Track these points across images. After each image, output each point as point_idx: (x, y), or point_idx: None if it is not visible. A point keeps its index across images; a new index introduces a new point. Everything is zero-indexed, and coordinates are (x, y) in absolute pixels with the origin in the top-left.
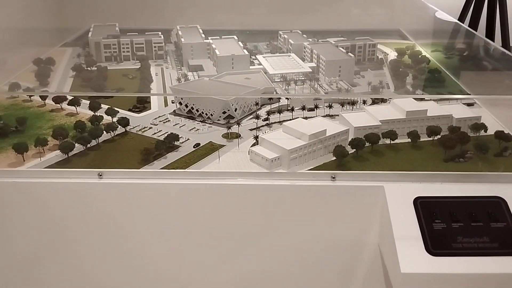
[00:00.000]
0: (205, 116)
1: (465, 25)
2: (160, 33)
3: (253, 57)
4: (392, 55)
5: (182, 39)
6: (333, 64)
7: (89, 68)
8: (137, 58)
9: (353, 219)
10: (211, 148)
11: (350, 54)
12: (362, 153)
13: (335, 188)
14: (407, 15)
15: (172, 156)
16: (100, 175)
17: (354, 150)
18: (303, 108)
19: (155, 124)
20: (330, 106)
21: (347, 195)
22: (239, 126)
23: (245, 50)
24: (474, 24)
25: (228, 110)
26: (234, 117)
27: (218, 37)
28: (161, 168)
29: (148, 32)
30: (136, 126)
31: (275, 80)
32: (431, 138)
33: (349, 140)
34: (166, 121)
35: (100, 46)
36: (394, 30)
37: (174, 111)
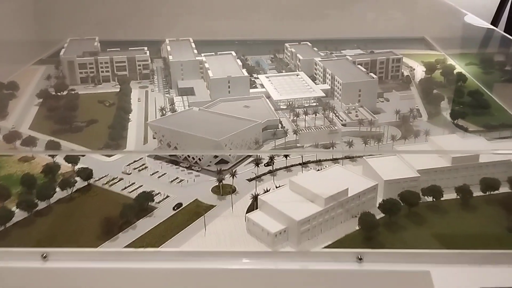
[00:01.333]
0: (191, 160)
1: (500, 30)
2: (146, 48)
3: (255, 75)
4: (420, 70)
5: (170, 56)
6: (352, 87)
7: (59, 94)
8: (118, 79)
9: None
10: (196, 212)
11: (372, 74)
12: (397, 218)
13: (363, 274)
14: (432, 20)
15: (143, 225)
16: (45, 257)
17: (386, 215)
18: (316, 145)
19: (127, 173)
20: (350, 145)
21: (380, 283)
22: (233, 177)
23: (244, 70)
24: (511, 28)
25: (217, 155)
26: (228, 161)
27: (213, 53)
28: (127, 246)
29: (132, 48)
30: (102, 178)
31: (280, 107)
32: (486, 193)
33: (379, 201)
34: (142, 169)
35: (74, 65)
36: (418, 38)
37: (155, 150)
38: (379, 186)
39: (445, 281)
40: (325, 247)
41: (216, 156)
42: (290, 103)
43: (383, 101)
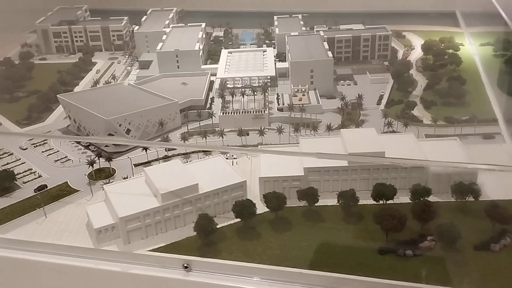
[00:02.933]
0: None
1: None
2: (125, 18)
3: (223, 49)
4: (419, 50)
5: (136, 27)
6: (302, 67)
7: (18, 62)
8: (85, 50)
9: None
10: (57, 195)
11: (329, 53)
12: (255, 223)
13: (188, 284)
14: None
15: None
16: None
17: (239, 219)
18: (239, 131)
19: (23, 149)
20: (280, 131)
21: None
22: (110, 162)
23: (198, 44)
24: None
25: (115, 132)
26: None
27: (183, 24)
28: None
29: (114, 17)
30: None
31: (227, 85)
32: (381, 202)
33: (237, 201)
34: (41, 144)
35: (48, 34)
36: (447, 13)
37: (68, 126)
38: (253, 183)
39: None
40: (157, 249)
41: (110, 134)
42: (235, 80)
43: (349, 84)
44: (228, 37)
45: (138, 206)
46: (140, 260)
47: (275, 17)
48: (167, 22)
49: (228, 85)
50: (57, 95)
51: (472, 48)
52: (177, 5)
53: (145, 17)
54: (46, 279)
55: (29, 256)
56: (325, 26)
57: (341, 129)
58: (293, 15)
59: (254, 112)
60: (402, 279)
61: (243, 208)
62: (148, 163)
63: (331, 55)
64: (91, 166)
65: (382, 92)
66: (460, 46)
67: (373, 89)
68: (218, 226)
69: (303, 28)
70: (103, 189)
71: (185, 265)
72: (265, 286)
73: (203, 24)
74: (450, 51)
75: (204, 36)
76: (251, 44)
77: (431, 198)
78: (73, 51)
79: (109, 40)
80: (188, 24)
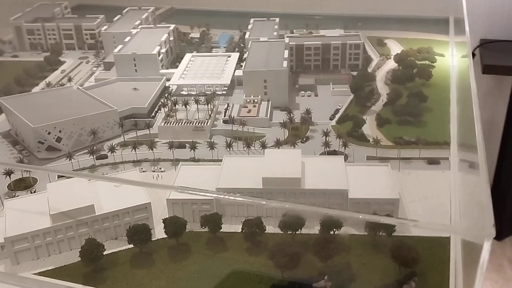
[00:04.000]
0: (25, 144)
1: None
2: (101, 16)
3: (193, 53)
4: (392, 61)
5: (104, 27)
6: (255, 77)
7: None
8: (52, 48)
9: None
10: None
11: (284, 62)
12: (154, 248)
13: None
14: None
15: None
16: None
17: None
18: (171, 146)
19: None
20: (211, 146)
21: None
22: (29, 173)
23: (158, 48)
24: None
25: (45, 141)
26: (60, 149)
27: (153, 25)
28: None
29: (91, 16)
30: None
31: (182, 92)
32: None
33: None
34: None
35: (22, 31)
36: (440, 19)
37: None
38: (157, 205)
39: None
40: (43, 272)
41: (41, 143)
42: (188, 89)
43: (310, 95)
44: (204, 39)
45: (28, 225)
46: (20, 282)
47: (251, 20)
48: (137, 22)
49: (183, 92)
50: None
51: (453, 59)
52: (171, 3)
53: (119, 16)
54: None
55: None
56: (304, 30)
57: (265, 150)
58: (270, 18)
59: (195, 123)
60: None
61: (136, 233)
62: (61, 177)
63: (286, 65)
64: (8, 177)
65: (340, 105)
66: (439, 57)
67: (333, 101)
68: (115, 250)
69: (275, 33)
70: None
71: None
72: None
73: (172, 26)
74: (426, 62)
75: (171, 38)
76: (224, 47)
77: (348, 230)
78: (46, 49)
79: (82, 39)
80: (158, 25)
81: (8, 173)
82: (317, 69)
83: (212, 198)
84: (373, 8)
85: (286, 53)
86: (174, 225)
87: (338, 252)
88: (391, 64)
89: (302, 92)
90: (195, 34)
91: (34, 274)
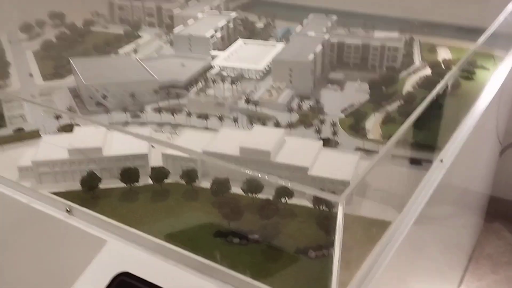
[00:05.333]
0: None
1: None
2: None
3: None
4: (428, 66)
5: (174, 11)
6: (282, 66)
7: (82, 27)
8: (132, 24)
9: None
10: (20, 137)
11: (311, 55)
12: (142, 190)
13: (66, 225)
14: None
15: None
16: None
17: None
18: (204, 117)
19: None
20: (235, 120)
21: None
22: (73, 120)
23: (212, 31)
24: None
25: (92, 97)
26: (106, 106)
27: (218, 12)
28: None
29: None
30: None
31: (223, 72)
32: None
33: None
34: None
35: (113, 6)
36: (480, 28)
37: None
38: (155, 156)
39: (109, 253)
40: (58, 192)
41: (91, 98)
42: (225, 69)
43: (335, 89)
44: (266, 29)
45: (52, 155)
46: (33, 196)
47: (311, 15)
48: (207, 7)
49: (223, 73)
50: (70, 58)
51: (493, 74)
52: None
53: (194, 0)
54: None
55: None
56: (361, 29)
57: (254, 126)
58: (328, 14)
59: (217, 99)
60: (221, 262)
61: (126, 173)
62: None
63: (311, 58)
64: (57, 120)
65: (357, 101)
66: (484, 71)
67: (354, 97)
68: (113, 186)
69: (324, 29)
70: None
71: (67, 208)
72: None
73: (233, 13)
74: (464, 73)
75: (230, 25)
76: (280, 39)
77: (303, 202)
78: (132, 23)
79: (161, 18)
80: (222, 12)
81: (57, 117)
82: (355, 67)
83: (191, 157)
84: (440, 14)
85: (318, 48)
86: (157, 173)
87: (277, 214)
88: (428, 70)
89: (329, 84)
90: (261, 25)
91: (49, 192)
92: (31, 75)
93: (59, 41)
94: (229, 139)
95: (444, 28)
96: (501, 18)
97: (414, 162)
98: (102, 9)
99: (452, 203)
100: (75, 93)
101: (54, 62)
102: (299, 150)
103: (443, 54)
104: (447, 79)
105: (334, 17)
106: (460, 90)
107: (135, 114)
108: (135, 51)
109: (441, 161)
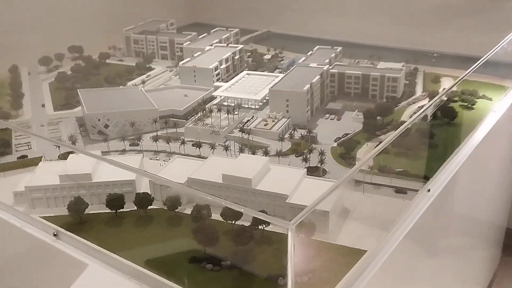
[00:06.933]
0: (85, 126)
1: None
2: (195, 33)
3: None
4: (428, 97)
5: (186, 43)
6: (279, 96)
7: (97, 60)
8: (145, 57)
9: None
10: (23, 163)
11: (307, 86)
12: (128, 216)
13: (52, 249)
14: None
15: None
16: None
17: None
18: (198, 145)
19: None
20: (226, 149)
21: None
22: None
23: (217, 63)
24: None
25: (96, 126)
26: (107, 135)
27: (225, 44)
28: None
29: (190, 32)
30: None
31: (224, 103)
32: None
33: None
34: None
35: (130, 40)
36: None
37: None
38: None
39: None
40: (46, 217)
41: (93, 127)
42: (227, 101)
43: (333, 119)
44: (273, 60)
45: (45, 181)
46: (26, 220)
47: (318, 46)
48: (216, 41)
49: (224, 103)
50: (78, 90)
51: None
52: (284, 28)
53: (205, 34)
54: None
55: None
56: (366, 60)
57: (241, 154)
58: (334, 47)
59: (213, 128)
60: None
61: (112, 200)
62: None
63: (306, 89)
64: (58, 148)
65: (352, 130)
66: (486, 101)
67: (350, 126)
68: (100, 212)
69: (326, 60)
70: None
71: (54, 233)
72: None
73: (240, 46)
74: (464, 103)
75: (236, 57)
76: (285, 69)
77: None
78: (145, 56)
79: (173, 51)
80: (230, 45)
81: (58, 146)
82: (356, 97)
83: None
84: (448, 46)
85: (316, 78)
86: (142, 199)
87: (253, 240)
88: (427, 101)
89: (327, 115)
90: (269, 56)
91: (40, 216)
92: (43, 105)
93: (74, 73)
94: (215, 167)
95: (450, 58)
96: (497, 48)
97: (400, 191)
98: (120, 43)
99: (450, 233)
100: (81, 122)
101: (66, 93)
102: (282, 178)
103: (446, 84)
104: (425, 109)
105: (339, 49)
106: (458, 119)
107: (134, 143)
108: (143, 82)
109: (428, 190)
